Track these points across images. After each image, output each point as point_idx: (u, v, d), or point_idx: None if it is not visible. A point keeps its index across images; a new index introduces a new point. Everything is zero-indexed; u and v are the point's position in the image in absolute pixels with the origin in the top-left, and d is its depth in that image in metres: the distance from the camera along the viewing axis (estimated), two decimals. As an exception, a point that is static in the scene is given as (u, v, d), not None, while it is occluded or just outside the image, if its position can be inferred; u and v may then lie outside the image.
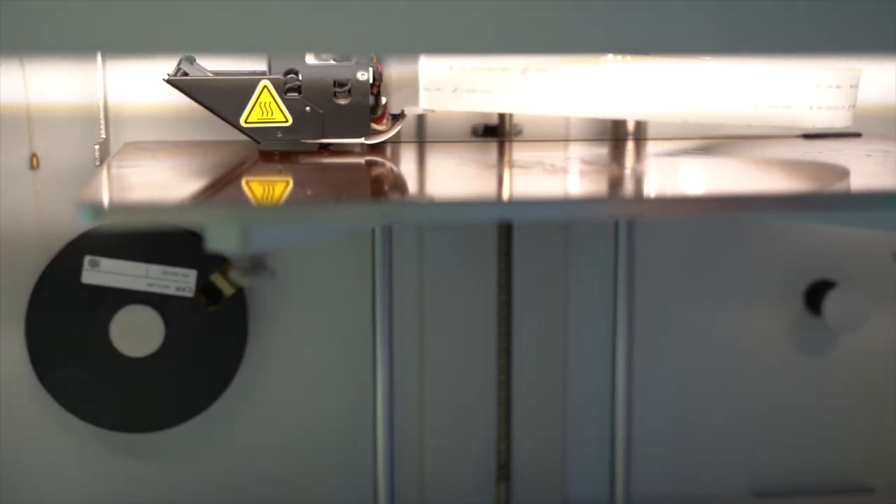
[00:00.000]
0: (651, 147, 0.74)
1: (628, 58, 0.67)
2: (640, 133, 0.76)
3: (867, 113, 0.77)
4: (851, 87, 0.69)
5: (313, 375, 0.80)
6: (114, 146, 0.73)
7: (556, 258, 0.79)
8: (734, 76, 0.68)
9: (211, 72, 0.68)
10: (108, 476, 0.79)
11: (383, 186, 0.64)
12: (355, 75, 0.68)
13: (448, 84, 0.67)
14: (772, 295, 0.82)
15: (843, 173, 0.66)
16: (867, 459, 0.85)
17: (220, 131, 0.69)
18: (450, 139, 0.76)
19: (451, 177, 0.66)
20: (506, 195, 0.61)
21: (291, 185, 0.62)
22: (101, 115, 0.72)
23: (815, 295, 0.81)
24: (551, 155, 0.71)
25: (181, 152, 0.71)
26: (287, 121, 0.67)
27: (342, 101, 0.68)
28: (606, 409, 0.78)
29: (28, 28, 0.46)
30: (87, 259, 0.75)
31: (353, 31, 0.47)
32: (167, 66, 0.69)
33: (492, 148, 0.74)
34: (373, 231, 0.73)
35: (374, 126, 0.69)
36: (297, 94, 0.67)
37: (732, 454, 0.83)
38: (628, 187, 0.64)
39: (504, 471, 0.80)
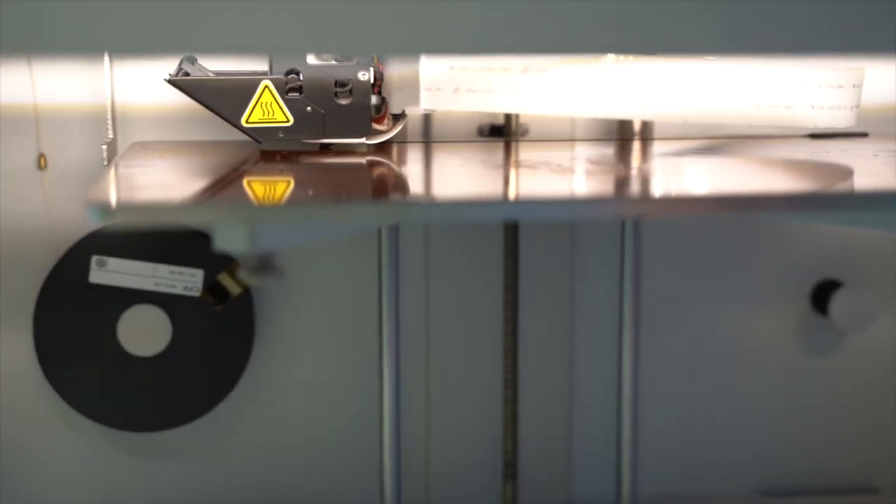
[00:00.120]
0: (657, 147, 0.75)
1: (629, 58, 0.67)
2: (646, 133, 0.76)
3: (874, 113, 0.77)
4: (854, 86, 0.69)
5: (320, 375, 0.80)
6: (121, 146, 0.73)
7: (563, 258, 0.79)
8: (735, 76, 0.68)
9: (212, 72, 0.68)
10: (115, 475, 0.79)
11: (386, 186, 0.64)
12: (356, 75, 0.68)
13: (449, 84, 0.67)
14: (778, 295, 0.82)
15: (850, 173, 0.66)
16: (872, 459, 0.85)
17: (227, 131, 0.69)
18: (456, 139, 0.77)
19: (458, 176, 0.66)
20: (512, 195, 0.62)
21: (296, 185, 0.63)
22: (109, 116, 0.72)
23: (822, 295, 0.81)
24: (557, 155, 0.71)
25: (188, 152, 0.71)
26: (288, 121, 0.68)
27: (343, 101, 0.68)
28: (613, 408, 0.78)
29: (35, 28, 0.46)
30: (95, 259, 0.75)
31: (353, 32, 0.47)
32: (172, 65, 0.69)
33: (498, 148, 0.74)
34: (379, 231, 0.73)
35: (376, 126, 0.69)
36: (298, 94, 0.68)
37: (738, 454, 0.83)
38: (634, 187, 0.64)
39: (510, 470, 0.80)
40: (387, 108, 0.69)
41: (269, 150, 0.69)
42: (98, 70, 0.73)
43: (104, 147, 0.70)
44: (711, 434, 0.83)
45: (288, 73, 0.67)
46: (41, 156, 0.75)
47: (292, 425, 0.80)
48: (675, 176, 0.68)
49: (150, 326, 0.76)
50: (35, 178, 0.75)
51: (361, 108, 0.68)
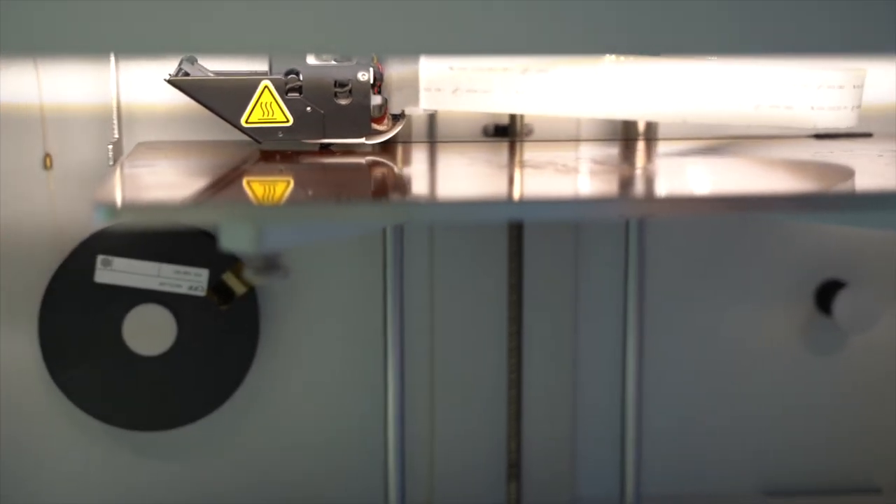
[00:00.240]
0: (661, 147, 0.75)
1: (628, 58, 0.67)
2: (651, 133, 0.76)
3: (878, 113, 0.78)
4: (855, 87, 0.69)
5: (324, 374, 0.80)
6: (126, 146, 0.73)
7: (567, 258, 0.79)
8: (735, 77, 0.68)
9: (212, 72, 0.68)
10: (120, 474, 0.79)
11: (388, 187, 0.64)
12: (356, 75, 0.68)
13: (448, 84, 0.67)
14: (782, 295, 0.82)
15: (854, 173, 0.66)
16: (875, 459, 0.85)
17: (232, 131, 0.70)
18: (460, 139, 0.77)
19: (463, 176, 0.67)
20: (516, 195, 0.62)
21: (300, 185, 0.63)
22: (115, 116, 0.72)
23: (826, 295, 0.81)
24: (562, 155, 0.71)
25: (193, 152, 0.71)
26: (288, 121, 0.68)
27: (343, 102, 0.68)
28: (617, 407, 0.78)
29: (40, 29, 0.46)
30: (100, 258, 0.75)
31: (353, 32, 0.47)
32: (176, 65, 0.69)
33: (502, 148, 0.74)
34: (384, 231, 0.74)
35: (375, 126, 0.69)
36: (297, 95, 0.68)
37: (742, 453, 0.83)
38: (639, 187, 0.64)
39: (514, 469, 0.81)
40: (386, 109, 0.69)
41: (270, 150, 0.69)
42: (104, 70, 0.73)
43: (110, 147, 0.70)
44: (715, 433, 0.83)
45: (287, 74, 0.68)
46: (47, 156, 0.75)
47: (296, 424, 0.80)
48: (679, 176, 0.69)
49: (156, 326, 0.76)
50: (41, 177, 0.75)
51: (361, 108, 0.68)
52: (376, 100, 0.69)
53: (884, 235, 0.80)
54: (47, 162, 0.75)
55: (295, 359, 0.79)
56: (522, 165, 0.68)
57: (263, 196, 0.59)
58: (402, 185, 0.65)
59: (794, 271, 0.82)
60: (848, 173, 0.66)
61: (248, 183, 0.63)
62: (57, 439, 0.78)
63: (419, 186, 0.65)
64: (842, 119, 0.69)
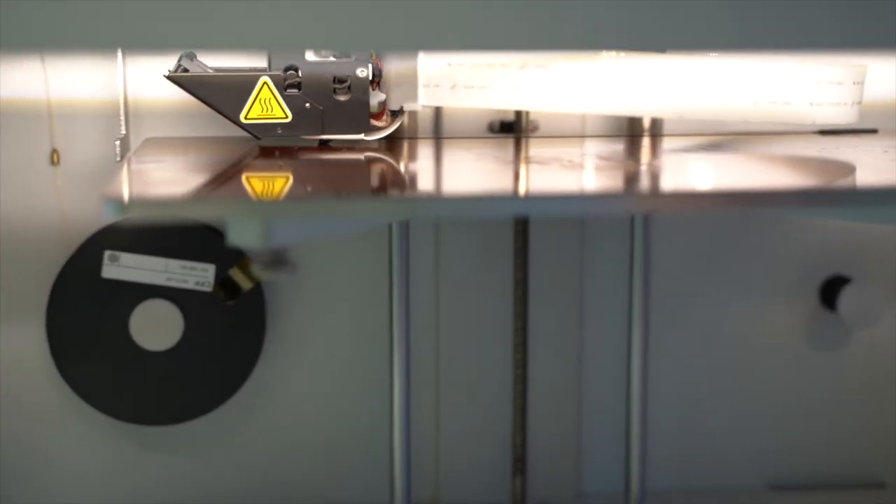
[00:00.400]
0: (667, 143, 0.75)
1: (626, 54, 0.67)
2: (656, 129, 0.77)
3: (883, 109, 0.78)
4: (855, 83, 0.69)
5: (330, 369, 0.80)
6: (133, 141, 0.74)
7: (572, 254, 0.80)
8: (734, 73, 0.68)
9: (211, 68, 0.68)
10: (127, 468, 0.80)
11: (393, 182, 0.64)
12: (355, 72, 0.68)
13: (447, 80, 0.67)
14: (787, 290, 0.82)
15: (860, 169, 0.66)
16: (879, 454, 0.85)
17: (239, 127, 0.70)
18: (466, 135, 0.77)
19: (469, 172, 0.67)
20: (522, 190, 0.62)
21: (305, 181, 0.63)
22: (122, 112, 0.72)
23: (830, 290, 0.81)
24: (568, 151, 0.71)
25: (200, 148, 0.71)
26: (287, 117, 0.68)
27: (342, 98, 0.68)
28: (622, 402, 0.78)
29: (47, 24, 0.47)
30: (107, 254, 0.75)
31: (352, 28, 0.47)
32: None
33: (508, 144, 0.74)
34: (390, 226, 0.74)
35: (374, 122, 0.69)
36: (296, 91, 0.68)
37: (747, 448, 0.84)
38: (644, 183, 0.64)
39: (520, 464, 0.81)
40: (385, 105, 0.69)
41: (270, 147, 0.69)
42: (111, 66, 0.73)
43: (117, 143, 0.70)
44: (720, 428, 0.83)
45: (286, 70, 0.68)
46: (54, 151, 0.75)
47: (303, 419, 0.80)
48: (684, 172, 0.69)
49: (162, 321, 0.76)
50: (48, 173, 0.75)
51: (360, 104, 0.68)
52: (375, 96, 0.69)
53: (889, 231, 0.80)
54: (54, 157, 0.75)
55: (301, 354, 0.80)
56: (528, 161, 0.68)
57: (271, 192, 0.60)
58: (409, 180, 0.65)
59: (799, 267, 0.82)
60: (853, 169, 0.67)
61: (256, 179, 0.63)
62: (64, 434, 0.79)
63: (425, 182, 0.66)
64: (842, 115, 0.69)
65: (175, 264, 0.76)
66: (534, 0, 0.48)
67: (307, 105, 0.68)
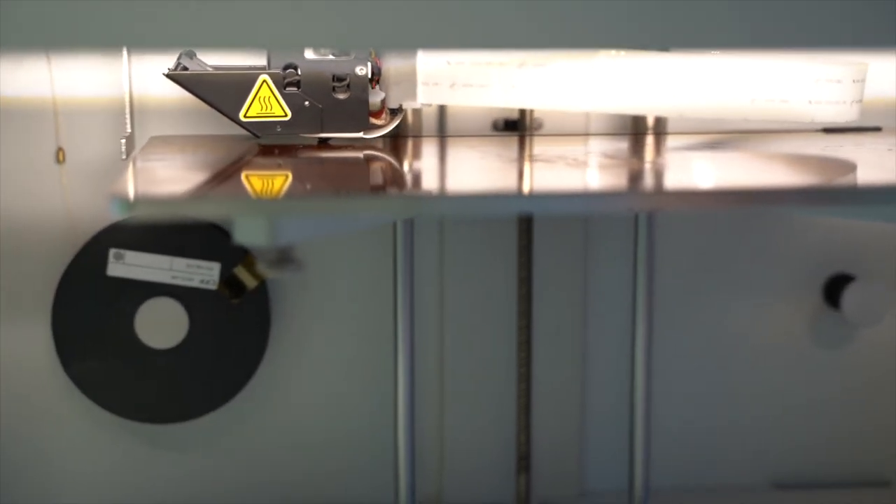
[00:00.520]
0: (671, 141, 0.75)
1: (624, 52, 0.67)
2: (660, 127, 0.77)
3: (887, 107, 0.78)
4: (855, 81, 0.69)
5: (335, 367, 0.80)
6: (138, 139, 0.74)
7: (577, 252, 0.80)
8: (731, 71, 0.67)
9: (211, 66, 0.69)
10: (132, 466, 0.80)
11: (399, 180, 0.65)
12: (354, 70, 0.68)
13: (445, 79, 0.67)
14: (791, 288, 0.82)
15: (864, 167, 0.66)
16: (883, 452, 0.85)
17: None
18: (470, 133, 0.77)
19: (474, 170, 0.67)
20: (526, 188, 0.62)
21: (313, 179, 0.63)
22: (127, 110, 0.72)
23: (834, 288, 0.81)
24: (572, 149, 0.71)
25: (206, 146, 0.72)
26: (286, 115, 0.68)
27: (341, 96, 0.68)
28: (626, 400, 0.79)
29: (52, 23, 0.47)
30: (113, 252, 0.76)
31: (351, 27, 0.48)
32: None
33: (512, 142, 0.74)
34: (394, 225, 0.74)
35: (373, 120, 0.69)
36: (296, 89, 0.68)
37: (751, 446, 0.84)
38: (648, 181, 0.64)
39: (524, 462, 0.81)
40: (384, 103, 0.70)
41: (269, 145, 0.69)
42: (116, 64, 0.73)
43: (122, 141, 0.70)
44: (723, 426, 0.83)
45: (286, 68, 0.68)
46: (59, 150, 0.76)
47: (307, 417, 0.81)
48: (688, 170, 0.69)
49: (167, 319, 0.77)
50: (53, 171, 0.76)
51: (359, 102, 0.68)
52: (374, 94, 0.69)
53: (892, 229, 0.80)
54: (60, 156, 0.76)
55: (305, 352, 0.80)
56: (532, 159, 0.68)
57: (276, 190, 0.60)
58: (413, 178, 0.65)
59: (803, 265, 0.82)
60: (857, 167, 0.67)
61: (261, 177, 0.63)
62: (69, 431, 0.79)
63: (430, 180, 0.66)
64: (842, 113, 0.69)
65: (180, 262, 0.76)
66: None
67: (306, 103, 0.68)
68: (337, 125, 0.69)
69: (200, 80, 0.67)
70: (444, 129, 0.77)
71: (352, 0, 0.47)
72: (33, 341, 0.77)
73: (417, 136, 0.75)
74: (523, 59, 0.67)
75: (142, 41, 0.48)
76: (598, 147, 0.73)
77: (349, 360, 0.80)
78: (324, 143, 0.70)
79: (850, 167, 0.67)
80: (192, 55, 0.68)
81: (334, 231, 0.71)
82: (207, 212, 0.64)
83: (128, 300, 0.76)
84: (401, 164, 0.68)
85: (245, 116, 0.68)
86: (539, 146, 0.72)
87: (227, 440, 0.80)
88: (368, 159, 0.68)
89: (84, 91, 0.75)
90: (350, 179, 0.65)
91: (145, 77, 0.74)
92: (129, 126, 0.72)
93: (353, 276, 0.79)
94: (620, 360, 0.80)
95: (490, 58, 0.67)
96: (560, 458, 0.82)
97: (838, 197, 0.59)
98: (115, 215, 0.55)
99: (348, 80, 0.68)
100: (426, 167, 0.68)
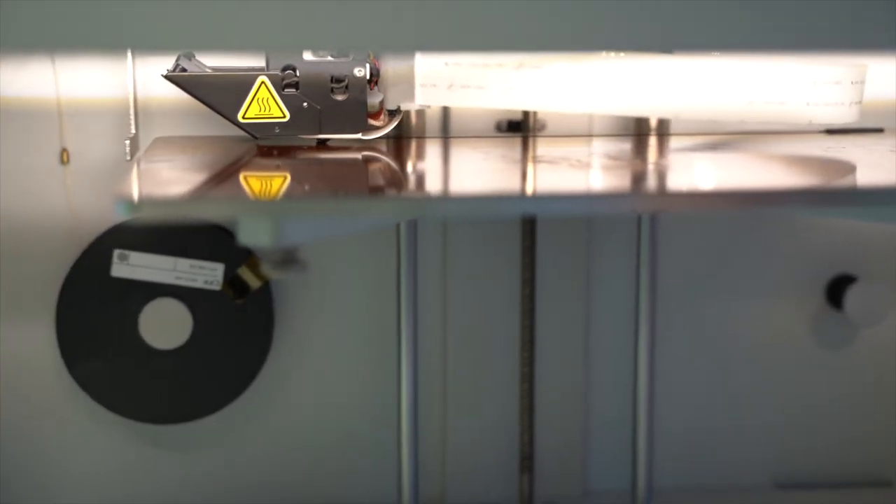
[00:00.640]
0: (674, 142, 0.75)
1: (622, 54, 0.67)
2: (663, 129, 0.77)
3: (889, 108, 0.78)
4: (854, 83, 0.69)
5: (338, 368, 0.80)
6: (142, 140, 0.74)
7: (580, 253, 0.80)
8: (728, 73, 0.67)
9: (209, 67, 0.69)
10: (136, 467, 0.80)
11: (402, 182, 0.65)
12: (352, 71, 0.68)
13: (443, 80, 0.67)
14: (793, 289, 0.82)
15: (866, 169, 0.67)
16: (886, 453, 0.85)
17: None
18: (474, 135, 0.77)
19: (477, 172, 0.67)
20: (530, 190, 0.62)
21: (315, 180, 0.63)
22: (132, 111, 0.72)
23: (837, 289, 0.81)
24: (575, 150, 0.72)
25: (210, 147, 0.72)
26: (284, 116, 0.68)
27: (339, 97, 0.69)
28: (629, 400, 0.79)
29: (56, 24, 0.47)
30: (117, 253, 0.76)
31: (350, 28, 0.48)
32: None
33: (516, 143, 0.75)
34: (398, 226, 0.74)
35: (371, 122, 0.69)
36: (294, 90, 0.68)
37: (753, 446, 0.84)
38: (651, 182, 0.65)
39: (527, 462, 0.81)
40: (383, 104, 0.70)
41: (272, 146, 0.69)
42: (121, 65, 0.73)
43: (127, 142, 0.70)
44: (726, 426, 0.83)
45: (284, 69, 0.68)
46: (64, 150, 0.76)
47: (311, 418, 0.81)
48: (691, 171, 0.69)
49: (171, 320, 0.77)
50: (57, 172, 0.76)
51: (357, 103, 0.69)
52: (373, 96, 0.69)
53: (894, 230, 0.80)
54: (64, 157, 0.76)
55: (309, 352, 0.80)
56: (536, 160, 0.68)
57: (281, 191, 0.60)
58: (417, 180, 0.65)
59: (806, 266, 0.82)
60: (859, 168, 0.67)
61: (265, 179, 0.63)
62: (73, 432, 0.79)
63: (433, 181, 0.66)
64: (840, 115, 0.69)
65: (184, 263, 0.76)
66: (532, 0, 0.48)
67: (305, 104, 0.68)
68: (335, 126, 0.69)
69: (199, 82, 0.68)
70: (447, 130, 0.77)
71: (350, 2, 0.47)
72: (37, 342, 0.77)
73: (421, 138, 0.75)
74: (521, 61, 0.67)
75: (144, 42, 0.48)
76: (601, 148, 0.73)
77: (352, 361, 0.80)
78: (322, 145, 0.70)
79: (853, 168, 0.67)
80: (190, 56, 0.69)
81: (338, 232, 0.71)
82: (212, 213, 0.64)
83: (132, 301, 0.76)
84: (403, 165, 0.68)
85: (243, 118, 0.68)
86: (542, 147, 0.72)
87: (230, 440, 0.80)
88: (368, 160, 0.68)
89: (88, 92, 0.75)
90: (352, 181, 0.65)
91: (150, 78, 0.74)
92: (133, 127, 0.72)
93: (357, 277, 0.79)
94: (623, 361, 0.80)
95: (488, 59, 0.67)
96: (563, 458, 0.82)
97: (841, 198, 0.60)
98: (119, 216, 0.55)
99: (347, 81, 0.68)
100: (430, 168, 0.68)
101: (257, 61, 0.69)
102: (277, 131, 0.68)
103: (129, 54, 0.72)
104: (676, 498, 0.83)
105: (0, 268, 0.76)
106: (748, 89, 0.67)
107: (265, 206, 0.55)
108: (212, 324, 0.77)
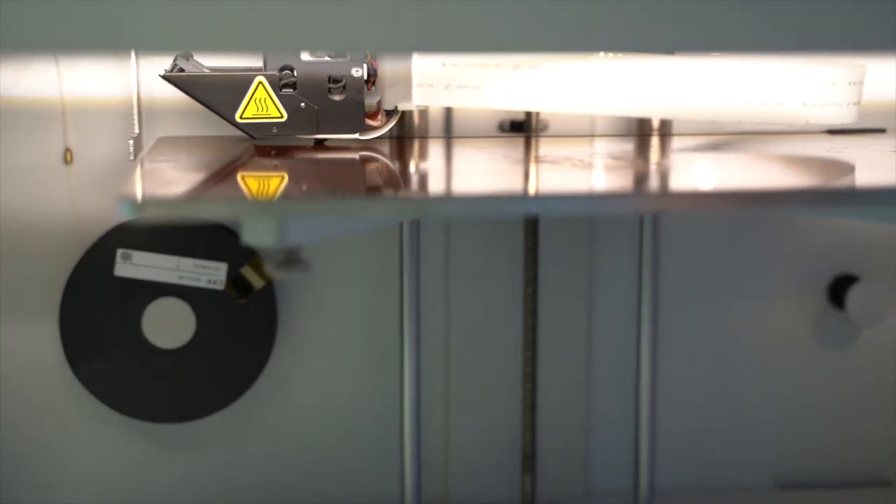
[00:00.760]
0: (676, 143, 0.75)
1: (619, 55, 0.67)
2: (665, 129, 0.77)
3: (890, 109, 0.78)
4: (851, 83, 0.69)
5: (341, 368, 0.80)
6: (146, 140, 0.74)
7: (582, 253, 0.80)
8: (724, 73, 0.67)
9: (207, 68, 0.69)
10: (139, 465, 0.80)
11: (405, 182, 0.65)
12: (350, 72, 0.68)
13: (440, 81, 0.67)
14: (795, 289, 0.82)
15: (867, 169, 0.67)
16: (887, 453, 0.85)
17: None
18: (477, 135, 0.77)
19: (480, 172, 0.67)
20: (533, 190, 0.62)
21: (318, 180, 0.64)
22: (135, 111, 0.72)
23: (838, 289, 0.81)
24: (578, 150, 0.72)
25: (213, 147, 0.72)
26: (282, 116, 0.68)
27: (337, 97, 0.69)
28: (630, 401, 0.79)
29: (60, 24, 0.47)
30: (120, 252, 0.76)
31: (347, 29, 0.48)
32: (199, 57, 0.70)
33: (518, 143, 0.75)
34: (401, 226, 0.74)
35: (369, 122, 0.70)
36: (292, 90, 0.68)
37: (755, 446, 0.84)
38: (653, 182, 0.65)
39: (529, 462, 0.81)
40: (380, 105, 0.70)
41: (277, 146, 0.69)
42: (124, 65, 0.73)
43: (130, 142, 0.70)
44: (728, 426, 0.84)
45: (282, 70, 0.68)
46: (67, 150, 0.76)
47: (313, 417, 0.81)
48: (693, 172, 0.69)
49: (175, 319, 0.77)
50: (61, 172, 0.76)
51: (355, 104, 0.69)
52: (370, 96, 0.69)
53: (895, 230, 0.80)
54: (68, 157, 0.76)
55: (312, 352, 0.80)
56: (539, 161, 0.68)
57: (285, 191, 0.60)
58: (420, 180, 0.65)
59: (807, 266, 0.82)
60: (861, 169, 0.67)
61: (269, 178, 0.63)
62: (76, 431, 0.79)
63: (436, 181, 0.66)
64: (837, 115, 0.69)
65: (187, 263, 0.76)
66: (527, 2, 0.48)
67: (302, 105, 0.68)
68: (333, 126, 0.69)
69: (197, 82, 0.68)
70: (450, 130, 0.77)
71: (348, 2, 0.47)
72: (41, 341, 0.77)
73: (423, 138, 0.75)
74: (518, 62, 0.67)
75: (148, 43, 0.48)
76: (603, 148, 0.73)
77: (355, 361, 0.80)
78: (320, 145, 0.70)
79: (854, 168, 0.67)
80: (188, 57, 0.69)
81: (341, 232, 0.71)
82: (215, 213, 0.65)
83: (135, 300, 0.76)
84: (405, 165, 0.68)
85: (241, 118, 0.68)
86: (545, 147, 0.73)
87: (233, 439, 0.80)
88: (367, 160, 0.68)
89: (92, 92, 0.75)
90: (352, 181, 0.65)
91: (153, 78, 0.74)
92: (136, 127, 0.72)
93: (360, 276, 0.79)
94: (625, 361, 0.80)
95: (485, 60, 0.67)
96: (565, 458, 0.82)
97: (843, 198, 0.60)
98: (123, 216, 0.55)
99: (344, 81, 0.68)
100: (432, 168, 0.68)
101: (255, 62, 0.69)
102: (275, 131, 0.68)
103: (133, 54, 0.72)
104: (678, 497, 0.83)
105: (4, 267, 0.76)
106: (745, 90, 0.67)
107: (269, 206, 0.55)
108: (215, 323, 0.77)
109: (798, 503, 0.84)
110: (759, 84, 0.67)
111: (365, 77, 0.68)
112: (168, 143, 0.72)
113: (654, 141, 0.76)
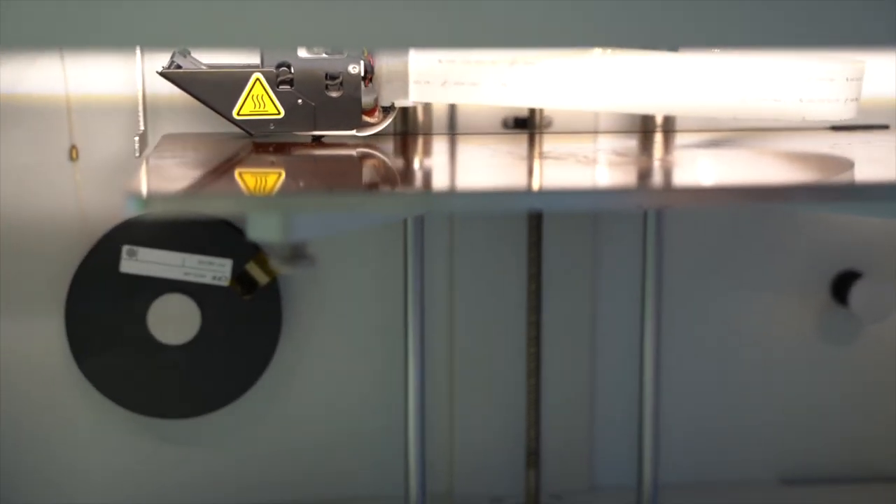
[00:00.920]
0: (679, 139, 0.75)
1: (615, 51, 0.67)
2: (669, 125, 0.77)
3: (893, 105, 0.78)
4: (849, 80, 0.69)
5: (345, 363, 0.81)
6: (151, 137, 0.74)
7: (586, 248, 0.80)
8: (720, 69, 0.67)
9: (204, 64, 0.69)
10: (144, 461, 0.80)
11: (409, 177, 0.65)
12: (347, 68, 0.68)
13: (437, 77, 0.67)
14: (799, 285, 0.82)
15: (871, 165, 0.67)
16: (891, 448, 0.85)
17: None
18: (481, 131, 0.77)
19: (484, 167, 0.67)
20: (537, 185, 0.62)
21: (321, 176, 0.64)
22: (140, 108, 0.73)
23: (842, 285, 0.81)
24: (582, 146, 0.72)
25: (218, 144, 0.72)
26: (279, 113, 0.68)
27: (334, 94, 0.69)
28: (635, 396, 0.79)
29: (65, 21, 0.47)
30: (126, 249, 0.76)
31: (344, 25, 0.48)
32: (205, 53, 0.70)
33: (522, 140, 0.75)
34: (405, 221, 0.74)
35: (366, 118, 0.70)
36: (289, 87, 0.68)
37: (759, 442, 0.84)
38: (657, 178, 0.65)
39: (533, 457, 0.81)
40: (377, 101, 0.70)
41: (276, 143, 0.69)
42: (130, 62, 0.73)
43: (136, 139, 0.70)
44: (732, 422, 0.84)
45: (279, 66, 0.68)
46: (73, 147, 0.76)
47: (318, 413, 0.81)
48: (697, 167, 0.69)
49: (180, 315, 0.77)
50: (67, 169, 0.76)
51: (352, 100, 0.69)
52: (367, 93, 0.69)
53: (900, 226, 0.81)
54: (73, 153, 0.76)
55: (316, 348, 0.80)
56: (543, 157, 0.68)
57: (290, 186, 0.60)
58: (424, 175, 0.66)
59: (811, 262, 0.82)
60: (864, 165, 0.67)
61: (273, 174, 0.64)
62: (82, 427, 0.79)
63: (440, 177, 0.66)
64: (835, 111, 0.69)
65: (192, 259, 0.77)
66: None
67: (299, 101, 0.68)
68: (330, 123, 0.69)
69: (194, 79, 0.68)
70: (454, 126, 0.77)
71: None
72: (46, 338, 0.78)
73: (427, 134, 0.76)
74: (514, 58, 0.67)
75: (154, 39, 0.48)
76: (607, 144, 0.73)
77: (360, 356, 0.81)
78: (318, 141, 0.70)
79: (858, 164, 0.67)
80: (185, 53, 0.69)
81: (347, 227, 0.71)
82: (221, 208, 0.65)
83: (140, 296, 0.77)
84: (408, 161, 0.68)
85: (238, 114, 0.68)
86: (549, 143, 0.73)
87: (238, 436, 0.81)
88: (365, 156, 0.68)
89: (97, 89, 0.75)
90: (353, 177, 0.65)
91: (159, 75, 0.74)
92: (142, 124, 0.72)
93: (364, 272, 0.80)
94: (629, 356, 0.80)
95: (481, 56, 0.67)
96: (569, 453, 0.82)
97: (846, 194, 0.60)
98: (129, 212, 0.55)
99: (341, 78, 0.69)
100: (437, 164, 0.69)
101: (252, 58, 0.70)
102: (272, 128, 0.68)
103: (138, 51, 0.72)
104: (682, 493, 0.83)
105: (9, 264, 0.77)
106: (742, 86, 0.67)
107: (274, 201, 0.56)
108: (220, 319, 0.77)
109: (802, 499, 0.84)
110: (756, 80, 0.67)
111: (362, 74, 0.69)
112: (173, 140, 0.72)
113: (658, 137, 0.76)
